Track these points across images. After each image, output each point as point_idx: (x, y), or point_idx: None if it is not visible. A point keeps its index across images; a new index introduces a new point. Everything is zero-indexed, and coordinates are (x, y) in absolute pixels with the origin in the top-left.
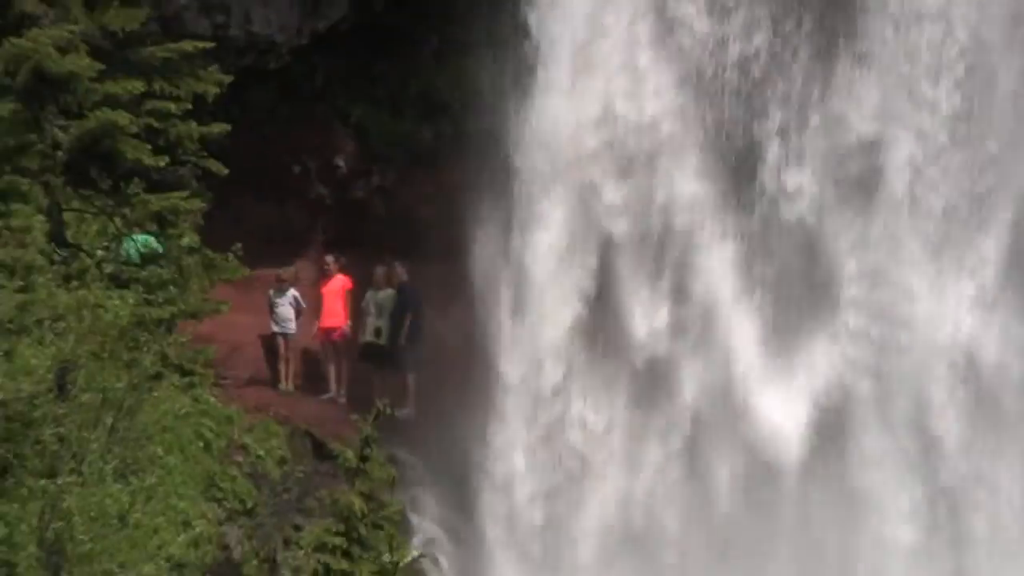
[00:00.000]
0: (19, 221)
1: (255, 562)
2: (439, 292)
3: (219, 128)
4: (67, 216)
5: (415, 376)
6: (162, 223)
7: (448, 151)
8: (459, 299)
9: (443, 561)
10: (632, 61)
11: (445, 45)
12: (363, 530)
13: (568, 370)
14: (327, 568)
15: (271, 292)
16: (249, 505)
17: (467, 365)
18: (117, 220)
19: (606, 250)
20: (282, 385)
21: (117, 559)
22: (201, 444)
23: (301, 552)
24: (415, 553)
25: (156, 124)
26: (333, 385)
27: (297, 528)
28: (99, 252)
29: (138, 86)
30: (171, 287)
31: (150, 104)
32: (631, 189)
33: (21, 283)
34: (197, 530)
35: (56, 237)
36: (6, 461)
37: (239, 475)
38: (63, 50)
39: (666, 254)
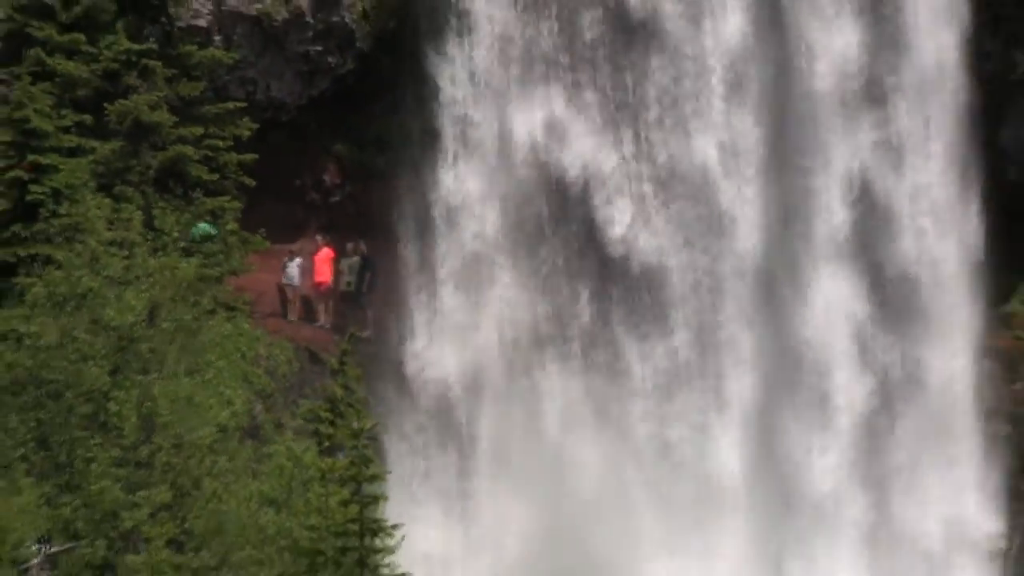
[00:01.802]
0: (125, 214)
1: (270, 425)
2: (387, 257)
3: (250, 157)
4: (155, 211)
5: (372, 312)
6: (214, 216)
7: (394, 172)
8: (401, 261)
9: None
10: None
11: (391, 105)
12: (342, 407)
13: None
14: (317, 430)
15: (285, 259)
16: (268, 391)
17: (405, 303)
18: (187, 214)
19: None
20: (290, 318)
21: (185, 425)
22: (239, 354)
23: (299, 420)
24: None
25: (210, 154)
26: (322, 318)
27: (296, 404)
28: (175, 234)
29: (199, 131)
30: (220, 255)
31: (207, 142)
32: None
33: (126, 253)
34: (235, 406)
35: (148, 224)
36: (117, 365)
37: (262, 373)
38: (152, 108)
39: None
